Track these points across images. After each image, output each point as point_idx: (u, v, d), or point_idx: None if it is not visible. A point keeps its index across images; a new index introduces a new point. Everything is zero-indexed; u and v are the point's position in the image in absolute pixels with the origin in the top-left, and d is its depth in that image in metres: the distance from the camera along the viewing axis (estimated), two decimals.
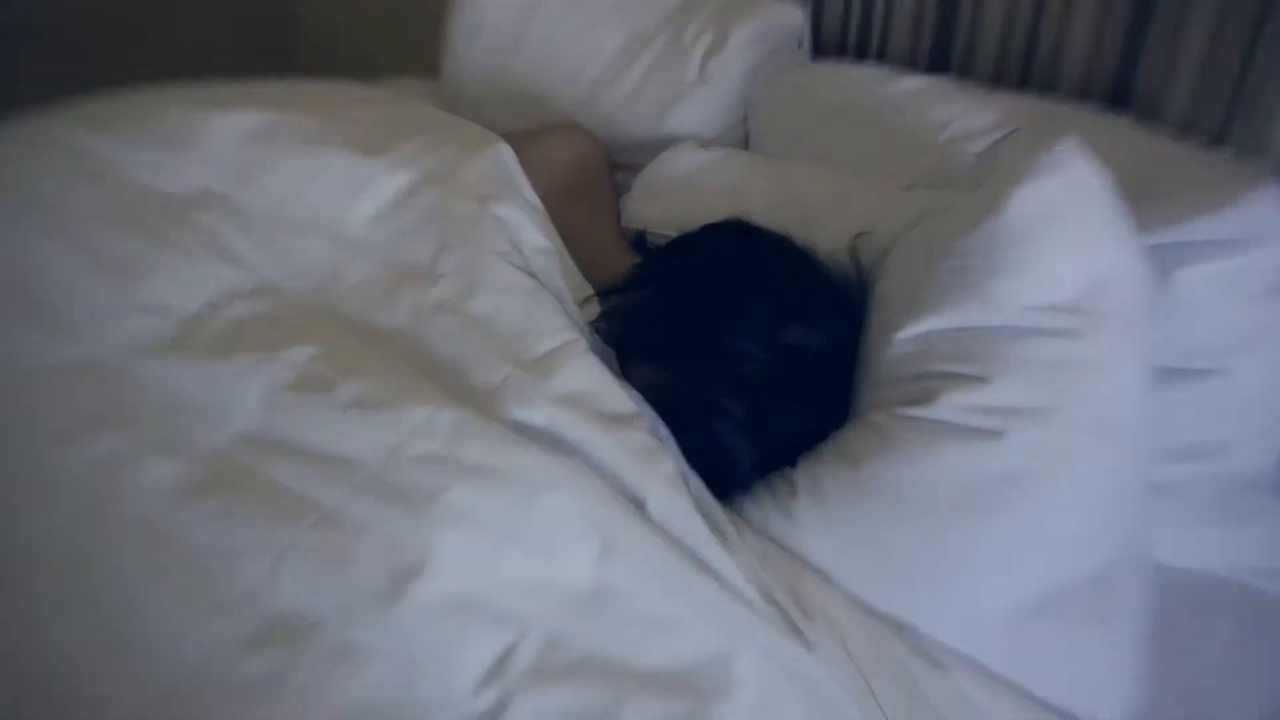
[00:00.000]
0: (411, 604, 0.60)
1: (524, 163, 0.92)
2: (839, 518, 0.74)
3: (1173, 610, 0.86)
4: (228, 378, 0.69)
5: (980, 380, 0.73)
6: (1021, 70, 1.14)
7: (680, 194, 1.08)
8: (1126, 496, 0.75)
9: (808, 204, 0.98)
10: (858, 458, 0.75)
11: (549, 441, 0.70)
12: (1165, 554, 0.88)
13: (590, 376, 0.74)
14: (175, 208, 0.79)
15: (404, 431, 0.66)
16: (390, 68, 1.72)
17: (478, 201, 0.83)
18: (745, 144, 1.26)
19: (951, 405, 0.73)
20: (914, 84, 1.13)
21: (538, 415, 0.70)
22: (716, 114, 1.24)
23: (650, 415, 0.76)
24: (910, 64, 1.23)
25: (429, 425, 0.67)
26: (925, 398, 0.74)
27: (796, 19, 1.29)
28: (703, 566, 0.68)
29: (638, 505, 0.69)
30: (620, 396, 0.74)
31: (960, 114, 1.06)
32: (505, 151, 0.91)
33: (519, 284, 0.78)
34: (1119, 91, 1.07)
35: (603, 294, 0.90)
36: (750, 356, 0.79)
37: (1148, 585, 0.76)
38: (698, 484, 0.74)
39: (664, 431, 0.76)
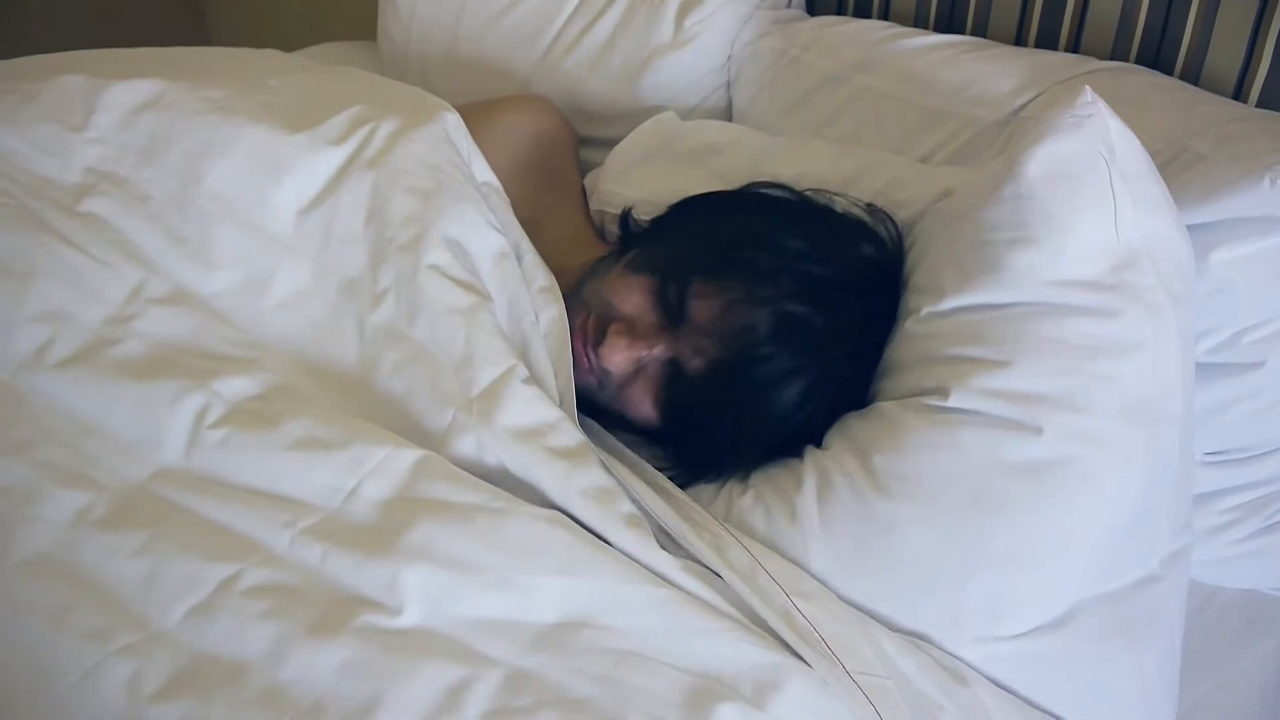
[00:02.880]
0: (356, 639, 0.61)
1: (477, 142, 0.91)
2: (847, 516, 0.75)
3: (1211, 633, 0.89)
4: (146, 405, 0.69)
5: (1001, 364, 0.73)
6: (1044, 29, 1.13)
7: (665, 170, 1.06)
8: (1164, 497, 0.75)
9: (815, 183, 0.96)
10: (867, 450, 0.76)
11: (505, 480, 0.72)
12: (1204, 571, 0.92)
13: (533, 410, 0.75)
14: (66, 199, 0.77)
15: (362, 474, 0.68)
16: (318, 28, 1.71)
17: (419, 198, 0.82)
18: (726, 116, 1.25)
19: (970, 391, 0.73)
20: (927, 42, 1.11)
21: (489, 458, 0.73)
22: (696, 80, 1.23)
23: (595, 449, 0.77)
24: (918, 23, 1.21)
25: (389, 466, 0.69)
26: (941, 384, 0.75)
27: None
28: (678, 592, 0.69)
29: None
30: (567, 428, 0.76)
31: (982, 75, 1.04)
32: (452, 122, 0.90)
33: (457, 302, 0.78)
34: (1156, 52, 1.05)
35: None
36: (818, 259, 0.82)
37: (1183, 599, 0.78)
38: (663, 510, 0.75)
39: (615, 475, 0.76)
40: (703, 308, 0.82)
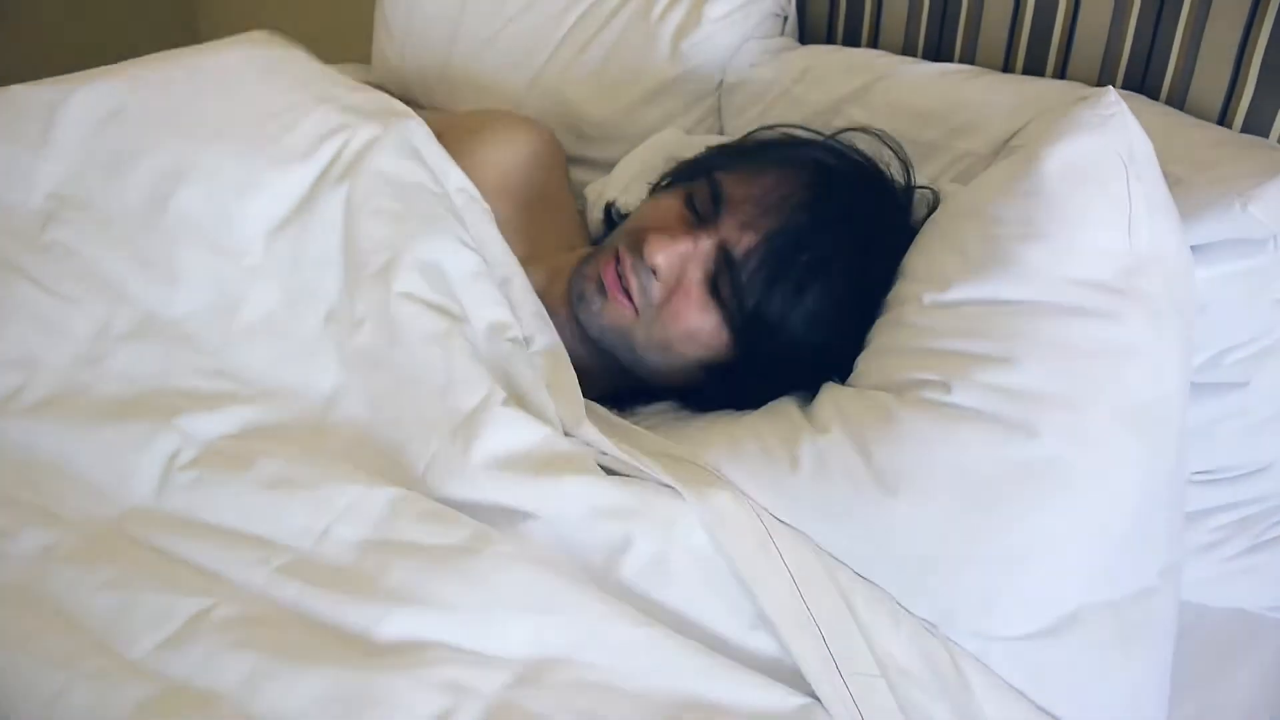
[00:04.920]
0: (334, 671, 0.62)
1: (464, 159, 0.91)
2: (842, 503, 0.74)
3: (1199, 652, 0.89)
4: (115, 447, 0.70)
5: (1004, 361, 0.73)
6: (1031, 55, 1.14)
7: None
8: (1162, 506, 0.75)
9: None
10: (866, 440, 0.75)
11: (492, 511, 0.72)
12: (1193, 590, 0.91)
13: (516, 433, 0.75)
14: (30, 229, 0.77)
15: (334, 513, 0.69)
16: (312, 51, 1.74)
17: (387, 221, 0.81)
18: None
19: (971, 386, 0.73)
20: (917, 72, 1.12)
21: (475, 491, 0.72)
22: (689, 103, 1.23)
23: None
24: (907, 50, 1.22)
25: (361, 506, 0.70)
26: (942, 377, 0.75)
27: None
28: (659, 630, 0.69)
29: (589, 569, 0.71)
30: (554, 440, 0.75)
31: (972, 105, 1.04)
32: (419, 132, 0.88)
33: (432, 328, 0.78)
34: (1142, 78, 1.07)
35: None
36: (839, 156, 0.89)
37: (1177, 614, 0.78)
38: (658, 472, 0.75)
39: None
40: (739, 189, 0.84)
